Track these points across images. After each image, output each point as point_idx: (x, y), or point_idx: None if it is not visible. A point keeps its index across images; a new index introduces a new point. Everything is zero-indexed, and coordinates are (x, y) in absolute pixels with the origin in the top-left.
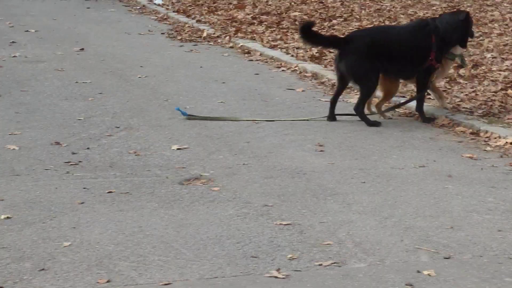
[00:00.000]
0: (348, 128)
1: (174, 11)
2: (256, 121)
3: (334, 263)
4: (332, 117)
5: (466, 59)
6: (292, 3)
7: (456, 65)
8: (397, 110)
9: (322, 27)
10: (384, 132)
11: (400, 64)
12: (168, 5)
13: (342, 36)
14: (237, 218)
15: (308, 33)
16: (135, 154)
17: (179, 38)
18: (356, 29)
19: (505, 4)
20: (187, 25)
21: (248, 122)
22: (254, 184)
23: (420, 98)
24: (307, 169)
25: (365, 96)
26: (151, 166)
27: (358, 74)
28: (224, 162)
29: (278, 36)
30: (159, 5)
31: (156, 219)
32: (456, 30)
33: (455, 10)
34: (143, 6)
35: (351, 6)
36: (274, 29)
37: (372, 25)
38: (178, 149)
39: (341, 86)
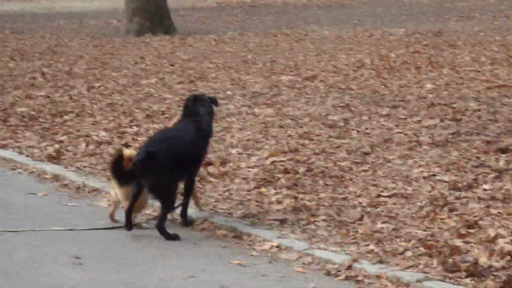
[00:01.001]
0: (104, 236)
1: None
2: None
3: None
4: (129, 226)
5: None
6: (16, 98)
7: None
8: (148, 213)
9: (54, 123)
10: (144, 239)
11: (186, 170)
12: None
13: (142, 149)
14: None
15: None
16: None
17: None
18: (150, 138)
19: (237, 97)
20: None
21: None
22: None
23: (187, 202)
24: (67, 286)
25: (167, 212)
26: None
27: (162, 190)
28: None
29: (7, 134)
30: None
31: None
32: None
33: (195, 98)
34: None
35: (81, 100)
36: (1, 127)
37: (112, 122)
38: None
39: (137, 198)
